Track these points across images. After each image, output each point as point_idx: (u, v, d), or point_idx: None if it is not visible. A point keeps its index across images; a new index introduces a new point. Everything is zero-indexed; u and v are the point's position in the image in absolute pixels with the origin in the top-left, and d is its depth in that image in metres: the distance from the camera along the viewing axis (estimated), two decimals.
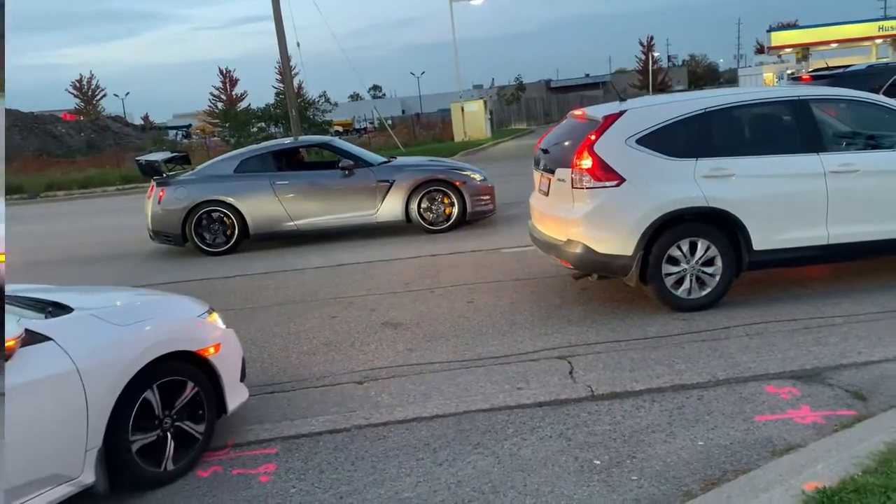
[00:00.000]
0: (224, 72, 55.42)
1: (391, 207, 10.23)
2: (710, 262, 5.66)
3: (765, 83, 47.72)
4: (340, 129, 62.42)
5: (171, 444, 3.74)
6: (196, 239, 10.05)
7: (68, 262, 10.85)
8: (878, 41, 43.75)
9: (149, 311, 3.99)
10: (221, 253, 10.07)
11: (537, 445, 3.81)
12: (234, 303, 7.28)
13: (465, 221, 10.38)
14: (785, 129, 5.92)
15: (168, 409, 3.73)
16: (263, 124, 30.34)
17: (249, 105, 44.45)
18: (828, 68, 13.95)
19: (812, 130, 5.80)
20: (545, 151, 6.49)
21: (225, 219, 10.07)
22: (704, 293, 5.71)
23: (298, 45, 27.10)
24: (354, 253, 9.46)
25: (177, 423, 3.78)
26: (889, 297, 5.70)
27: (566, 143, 6.07)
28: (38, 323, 3.42)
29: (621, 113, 5.77)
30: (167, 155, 11.59)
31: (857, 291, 5.91)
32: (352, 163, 10.37)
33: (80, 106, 56.02)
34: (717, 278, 5.68)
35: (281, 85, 56.17)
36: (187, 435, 3.84)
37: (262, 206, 10.07)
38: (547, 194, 6.33)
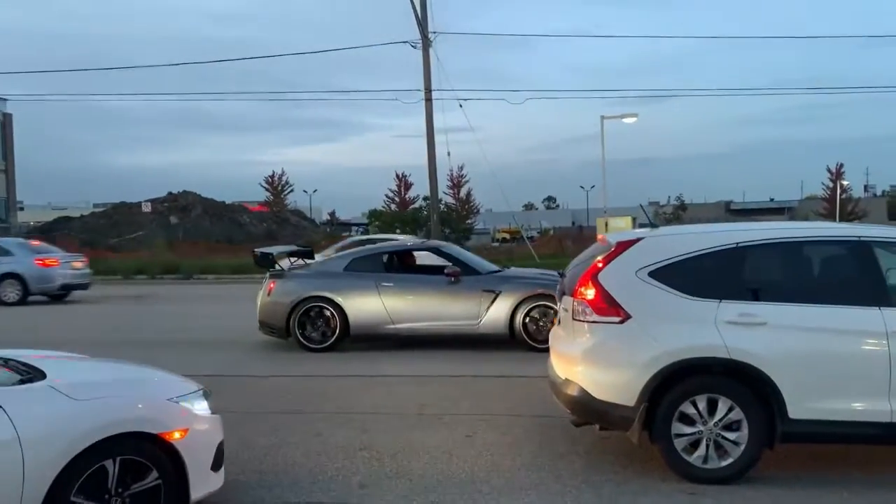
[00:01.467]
0: (399, 176, 58.37)
1: (495, 318, 9.80)
2: (733, 427, 4.64)
3: None
4: (507, 236, 63.37)
5: None
6: (298, 333, 10.00)
7: (168, 343, 11.27)
8: None
9: (115, 388, 4.02)
10: (321, 350, 9.93)
11: None
12: (276, 405, 7.04)
13: None
14: (838, 274, 4.99)
15: (123, 488, 3.65)
16: (407, 227, 31.20)
17: (420, 207, 46.32)
18: None
19: (873, 278, 4.77)
20: (563, 276, 5.86)
21: (328, 315, 9.99)
22: (725, 463, 4.65)
23: (449, 154, 27.90)
24: (444, 364, 9.07)
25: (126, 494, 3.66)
26: None
27: (579, 269, 5.40)
28: None
29: (637, 240, 5.09)
30: (290, 248, 11.90)
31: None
32: (458, 269, 10.12)
33: (269, 199, 61.00)
34: (742, 447, 4.62)
35: (452, 191, 58.77)
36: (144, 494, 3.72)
37: (364, 305, 9.96)
38: (559, 324, 5.70)
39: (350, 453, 5.42)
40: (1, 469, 3.33)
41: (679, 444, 4.69)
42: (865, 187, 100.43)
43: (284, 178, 61.30)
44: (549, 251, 30.96)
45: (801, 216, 72.95)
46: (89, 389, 3.81)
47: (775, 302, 4.77)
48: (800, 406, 4.57)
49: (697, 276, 4.86)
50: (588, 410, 4.96)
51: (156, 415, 3.89)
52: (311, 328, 10.02)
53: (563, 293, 5.58)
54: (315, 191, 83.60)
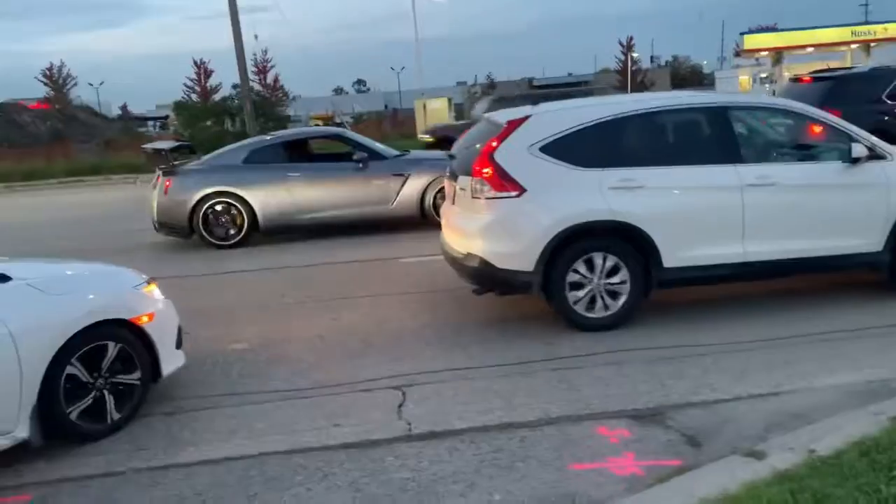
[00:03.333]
0: (198, 63, 54.33)
1: (407, 201, 9.95)
2: (617, 280, 5.30)
3: (740, 87, 47.62)
4: (320, 123, 61.74)
5: (88, 401, 3.99)
6: (203, 231, 9.71)
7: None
8: (853, 46, 43.63)
9: (84, 282, 4.36)
10: (230, 246, 9.72)
11: (320, 498, 3.38)
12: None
13: None
14: (700, 138, 5.60)
15: (96, 371, 4.02)
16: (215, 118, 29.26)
17: (229, 97, 43.70)
18: (828, 70, 13.71)
19: (728, 140, 5.45)
20: (452, 157, 6.15)
21: (234, 210, 9.71)
22: (609, 313, 5.34)
23: (256, 37, 26.44)
24: (351, 250, 9.09)
25: (105, 391, 4.06)
26: (770, 324, 5.33)
27: (472, 149, 5.67)
28: None
29: (525, 118, 5.40)
30: (172, 144, 11.29)
31: (741, 315, 5.54)
32: (366, 155, 10.10)
33: (49, 95, 54.75)
34: (625, 297, 5.31)
35: (259, 77, 55.84)
36: (124, 386, 4.16)
37: (272, 198, 9.75)
38: (453, 203, 5.95)
39: (223, 350, 5.47)
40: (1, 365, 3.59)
41: (571, 298, 5.27)
42: (651, 59, 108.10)
43: (65, 71, 55.29)
44: (368, 136, 30.79)
45: (597, 89, 77.38)
46: (61, 284, 4.16)
47: (650, 166, 5.33)
48: (672, 256, 5.26)
49: (582, 148, 5.28)
50: (491, 279, 5.38)
51: (126, 303, 4.31)
52: (217, 225, 9.76)
53: (456, 174, 5.83)
54: (101, 83, 75.73)
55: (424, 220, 9.99)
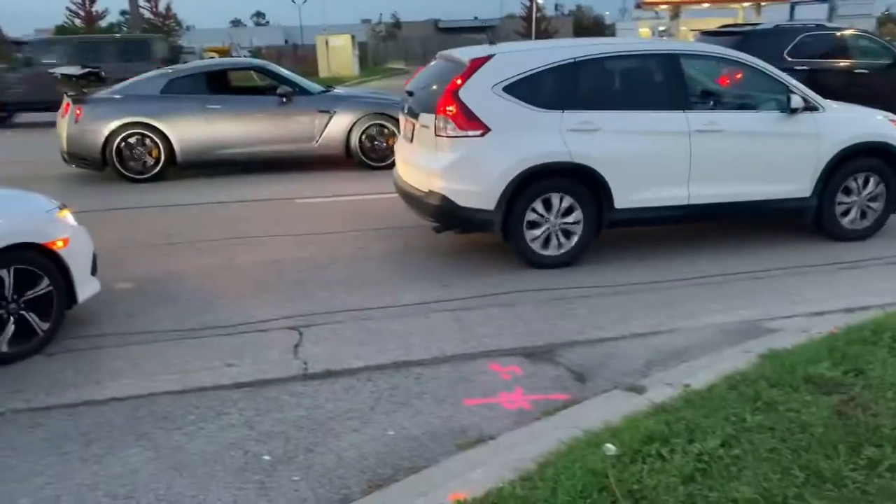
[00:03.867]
0: None
1: (332, 139, 9.72)
2: (571, 220, 5.47)
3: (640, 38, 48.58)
4: (215, 55, 58.90)
5: (10, 328, 4.04)
6: (118, 164, 9.22)
7: None
8: (745, 4, 45.25)
9: None
10: (145, 180, 9.26)
11: (213, 436, 3.35)
12: None
13: None
14: (653, 84, 5.74)
15: (18, 295, 4.06)
16: None
17: (117, 24, 40.90)
18: (736, 25, 14.23)
19: (679, 87, 5.63)
20: (410, 94, 6.09)
21: (150, 143, 9.24)
22: (562, 251, 5.52)
23: None
24: (269, 188, 8.88)
25: (22, 312, 4.08)
26: (656, 269, 5.59)
27: (433, 87, 5.65)
28: None
29: (489, 57, 5.40)
30: (81, 70, 10.43)
31: (630, 260, 5.78)
32: (291, 90, 9.74)
33: None
34: (577, 236, 5.51)
35: (150, 4, 52.38)
36: (30, 327, 4.13)
37: (191, 131, 9.33)
38: (411, 141, 5.89)
39: (106, 285, 5.23)
40: None
41: (528, 237, 5.42)
42: (556, 7, 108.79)
43: None
44: None
45: (501, 35, 77.28)
46: None
47: (606, 110, 5.45)
48: (623, 198, 5.45)
49: (544, 90, 5.36)
50: (452, 217, 5.43)
51: (39, 226, 4.27)
52: (132, 158, 9.27)
53: (416, 111, 5.76)
54: None
55: (349, 159, 9.88)
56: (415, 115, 5.77)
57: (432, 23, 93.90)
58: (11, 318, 4.04)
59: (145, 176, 9.34)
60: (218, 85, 10.18)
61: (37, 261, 4.13)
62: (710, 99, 5.95)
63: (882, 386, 3.14)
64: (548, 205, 5.39)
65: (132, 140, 9.24)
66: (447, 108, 5.24)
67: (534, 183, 5.31)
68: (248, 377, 3.89)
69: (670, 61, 5.69)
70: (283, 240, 6.54)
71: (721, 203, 5.73)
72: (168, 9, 54.40)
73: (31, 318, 4.12)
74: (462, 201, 5.29)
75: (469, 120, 5.21)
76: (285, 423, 3.44)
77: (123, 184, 9.24)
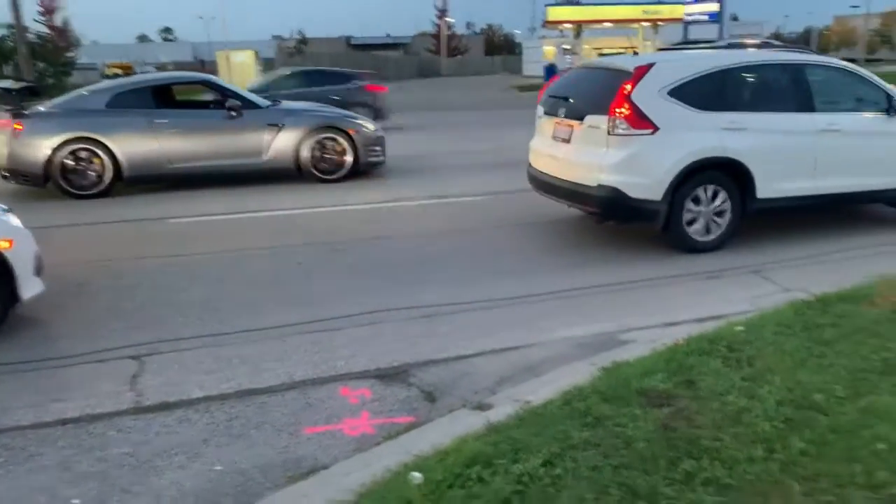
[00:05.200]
0: None
1: (281, 153, 9.61)
2: (721, 209, 6.16)
3: (544, 56, 49.84)
4: (120, 72, 57.05)
5: None
6: (62, 181, 8.88)
7: None
8: (644, 24, 47.09)
9: None
10: (91, 196, 8.96)
11: (21, 479, 3.08)
12: None
13: (358, 172, 9.98)
14: (786, 89, 6.43)
15: None
16: None
17: (3, 37, 38.83)
18: (690, 42, 16.00)
19: (806, 92, 6.39)
20: (565, 99, 6.62)
21: (95, 158, 8.94)
22: (713, 237, 6.21)
23: None
24: (220, 203, 8.67)
25: None
26: (523, 282, 5.59)
27: (596, 92, 6.29)
28: None
29: (650, 65, 6.05)
30: (20, 84, 10.05)
31: (497, 274, 5.77)
32: (239, 103, 9.61)
33: None
34: (726, 223, 6.19)
35: (45, 17, 50.17)
36: None
37: (138, 145, 9.10)
38: (568, 141, 6.41)
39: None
40: None
41: (686, 225, 6.10)
42: (468, 24, 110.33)
43: None
44: None
45: (413, 51, 77.87)
46: None
47: (749, 111, 6.20)
48: (764, 188, 6.16)
49: (700, 94, 6.04)
50: (621, 208, 6.02)
51: None
52: (76, 174, 8.96)
53: (576, 114, 6.33)
54: None
55: (299, 173, 9.72)
56: (577, 118, 6.31)
57: (344, 39, 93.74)
58: None
59: (90, 192, 9.00)
60: (164, 99, 9.93)
61: None
62: (829, 103, 6.60)
63: (710, 397, 3.17)
64: (702, 196, 6.07)
65: (77, 155, 8.93)
66: (619, 110, 5.86)
67: (694, 176, 5.97)
68: (74, 412, 3.63)
69: (798, 70, 6.47)
70: (148, 262, 6.23)
71: (841, 193, 6.55)
72: (66, 24, 52.37)
73: None
74: (633, 193, 5.89)
75: (641, 120, 5.84)
76: (106, 462, 3.21)
77: (64, 201, 8.85)
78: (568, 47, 47.61)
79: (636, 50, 38.48)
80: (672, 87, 5.96)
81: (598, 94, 6.17)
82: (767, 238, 6.67)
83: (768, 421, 2.94)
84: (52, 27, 48.40)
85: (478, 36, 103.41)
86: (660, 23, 44.91)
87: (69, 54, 48.49)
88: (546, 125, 6.84)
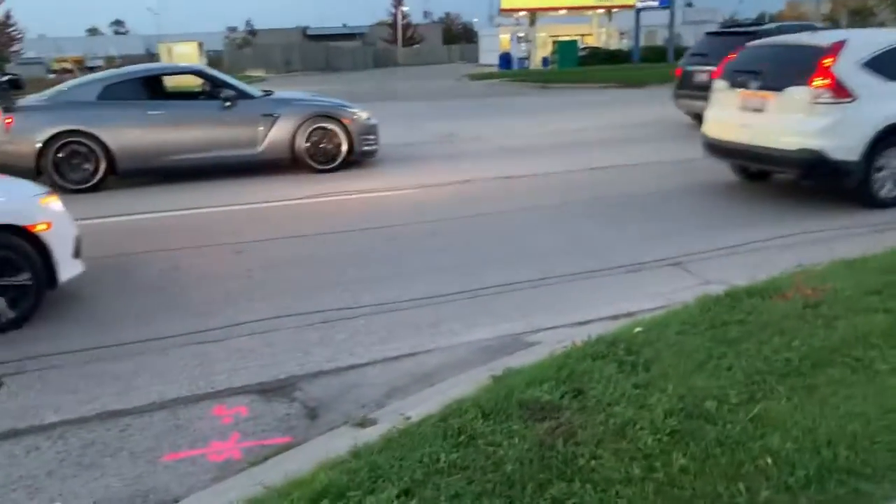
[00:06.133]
0: None
1: (277, 143, 9.38)
2: None
3: (501, 45, 49.57)
4: (70, 66, 55.47)
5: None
6: (55, 174, 8.64)
7: None
8: (599, 11, 47.05)
9: None
10: (84, 190, 8.72)
11: None
12: None
13: (351, 162, 9.74)
14: None
15: None
16: None
17: None
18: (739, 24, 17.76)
19: None
20: (753, 73, 7.24)
21: (88, 151, 8.75)
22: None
23: None
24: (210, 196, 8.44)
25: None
26: (427, 282, 5.31)
27: (791, 65, 6.96)
28: None
29: (843, 42, 6.74)
30: (6, 76, 9.79)
31: (417, 274, 5.49)
32: (234, 93, 9.44)
33: None
34: None
35: None
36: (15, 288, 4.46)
37: (131, 138, 8.90)
38: (761, 110, 7.05)
39: None
40: None
41: (875, 182, 6.69)
42: (425, 14, 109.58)
43: None
44: None
45: (369, 42, 77.05)
46: None
47: None
48: None
49: (888, 66, 6.65)
50: (823, 168, 6.60)
51: (24, 209, 4.61)
52: (69, 168, 8.77)
53: (773, 86, 6.95)
54: None
55: (294, 164, 9.48)
56: (772, 89, 6.93)
57: (300, 30, 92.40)
58: None
59: (83, 186, 8.77)
60: (155, 90, 9.66)
61: (21, 250, 4.45)
62: None
63: (596, 408, 2.92)
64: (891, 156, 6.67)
65: (70, 149, 8.71)
66: (823, 80, 6.51)
67: (885, 139, 6.53)
68: None
69: None
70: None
71: None
72: (7, 16, 50.71)
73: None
74: (835, 155, 6.49)
75: (842, 89, 6.49)
76: None
77: (78, 195, 8.49)
78: (522, 35, 47.41)
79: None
80: (865, 60, 6.64)
81: (795, 67, 6.89)
82: (694, 226, 6.49)
83: (653, 434, 2.69)
84: None
85: (435, 25, 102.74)
86: (613, 10, 44.94)
87: (12, 49, 47.06)
88: (730, 97, 7.51)
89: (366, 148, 9.87)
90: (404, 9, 73.62)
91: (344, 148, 9.62)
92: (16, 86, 9.79)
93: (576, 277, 5.31)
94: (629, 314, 4.41)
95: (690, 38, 37.06)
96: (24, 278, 4.47)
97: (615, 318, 4.40)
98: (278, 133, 9.42)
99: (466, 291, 5.07)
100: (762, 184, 8.06)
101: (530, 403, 2.98)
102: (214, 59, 38.52)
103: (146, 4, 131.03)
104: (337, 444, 3.01)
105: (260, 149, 9.40)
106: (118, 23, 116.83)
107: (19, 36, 53.10)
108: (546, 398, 3.01)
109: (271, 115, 9.43)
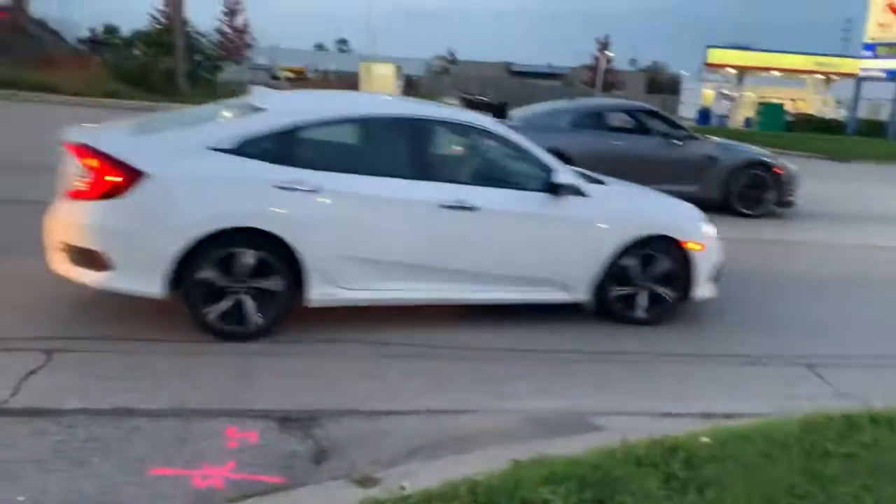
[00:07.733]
0: None
1: (712, 184, 9.92)
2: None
3: (703, 99, 47.37)
4: (291, 74, 60.42)
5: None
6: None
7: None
8: (817, 76, 43.64)
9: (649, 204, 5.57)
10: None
11: None
12: None
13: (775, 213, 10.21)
14: None
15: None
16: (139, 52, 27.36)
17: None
18: None
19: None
20: None
21: None
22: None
23: None
24: None
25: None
26: (532, 333, 4.82)
27: None
28: None
29: None
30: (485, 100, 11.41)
31: (502, 322, 5.03)
32: (685, 133, 10.34)
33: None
34: None
35: (227, 18, 54.02)
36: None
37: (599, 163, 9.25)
38: None
39: None
40: None
41: None
42: (631, 61, 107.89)
43: None
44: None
45: (570, 83, 77.04)
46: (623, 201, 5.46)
47: None
48: None
49: None
50: None
51: (680, 226, 5.22)
52: None
53: None
54: None
55: (722, 206, 9.76)
56: None
57: (504, 65, 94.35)
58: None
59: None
60: (612, 123, 10.53)
61: (670, 252, 4.99)
62: None
63: None
64: None
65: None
66: None
67: None
68: None
69: None
70: None
71: None
72: (245, 25, 56.16)
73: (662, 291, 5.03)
74: None
75: None
76: None
77: None
78: (727, 92, 45.05)
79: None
80: None
81: None
82: (836, 324, 5.50)
83: None
84: (232, 27, 52.16)
85: (640, 73, 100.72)
86: (833, 76, 41.49)
87: (245, 54, 51.96)
88: None
89: (789, 198, 10.19)
90: (610, 54, 72.77)
91: (771, 196, 10.01)
92: (500, 113, 10.19)
93: (677, 360, 4.60)
94: (730, 415, 3.69)
95: None
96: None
97: (708, 416, 3.71)
98: (716, 174, 9.95)
99: (548, 351, 4.54)
100: None
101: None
102: (413, 83, 40.10)
103: (366, 28, 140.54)
104: (321, 498, 2.67)
105: (697, 187, 9.61)
106: (342, 41, 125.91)
107: (252, 43, 58.46)
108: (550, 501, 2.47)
109: (714, 157, 10.06)
